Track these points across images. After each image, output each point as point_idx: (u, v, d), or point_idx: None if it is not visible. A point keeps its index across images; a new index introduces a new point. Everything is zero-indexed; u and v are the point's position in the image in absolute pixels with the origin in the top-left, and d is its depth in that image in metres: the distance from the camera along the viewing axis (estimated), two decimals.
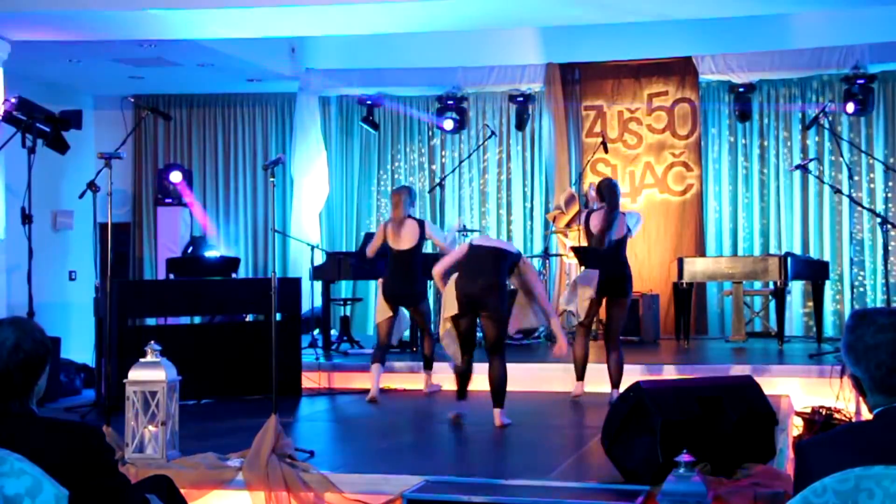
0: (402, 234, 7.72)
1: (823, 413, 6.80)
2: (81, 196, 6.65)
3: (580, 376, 7.47)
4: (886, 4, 8.85)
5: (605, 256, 7.35)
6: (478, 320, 6.61)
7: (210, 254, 11.20)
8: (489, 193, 12.08)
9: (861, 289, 11.00)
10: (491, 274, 6.43)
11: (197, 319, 9.53)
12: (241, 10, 8.04)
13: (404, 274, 7.71)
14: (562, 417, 7.01)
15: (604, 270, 7.34)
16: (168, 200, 11.75)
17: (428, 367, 8.04)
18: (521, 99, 11.68)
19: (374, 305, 9.26)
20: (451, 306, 6.46)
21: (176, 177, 11.58)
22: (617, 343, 7.44)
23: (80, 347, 9.71)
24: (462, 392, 6.71)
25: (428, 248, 8.91)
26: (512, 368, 8.36)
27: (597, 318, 8.24)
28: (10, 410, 2.59)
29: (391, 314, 7.76)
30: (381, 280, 7.90)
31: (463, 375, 6.69)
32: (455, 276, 6.54)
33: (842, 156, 10.23)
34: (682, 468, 3.40)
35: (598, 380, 7.47)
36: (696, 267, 10.05)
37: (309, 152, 11.86)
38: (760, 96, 11.42)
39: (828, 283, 10.41)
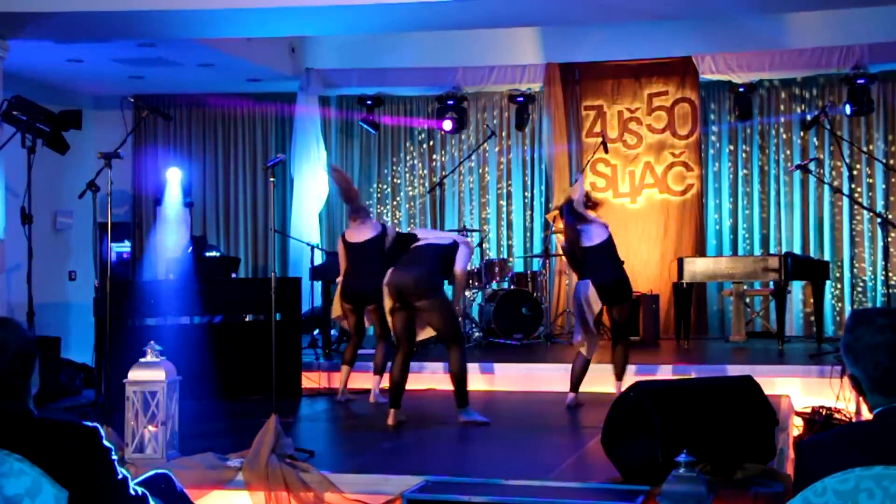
0: (360, 228, 7.60)
1: (823, 413, 6.80)
2: (81, 196, 6.66)
3: (574, 389, 7.28)
4: (886, 4, 8.85)
5: (587, 264, 7.22)
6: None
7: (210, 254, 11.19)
8: (489, 193, 12.08)
9: (861, 289, 11.00)
10: (424, 265, 6.58)
11: (197, 319, 9.53)
12: (241, 10, 8.04)
13: (362, 270, 7.44)
14: (562, 417, 7.00)
15: (594, 279, 7.14)
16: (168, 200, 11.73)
17: (378, 372, 7.65)
18: (521, 99, 11.68)
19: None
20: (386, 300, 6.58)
21: (174, 175, 11.58)
22: (625, 337, 7.34)
23: (80, 347, 9.71)
24: (395, 399, 6.60)
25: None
26: (512, 368, 8.43)
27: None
28: (9, 409, 2.59)
29: (345, 314, 7.62)
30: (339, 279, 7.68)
31: (392, 378, 6.63)
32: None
33: (842, 156, 10.23)
34: (682, 468, 3.40)
35: (598, 380, 7.47)
36: (696, 267, 10.05)
37: (309, 152, 11.87)
38: (760, 96, 11.43)
39: (828, 283, 10.41)
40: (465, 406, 6.52)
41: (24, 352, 2.62)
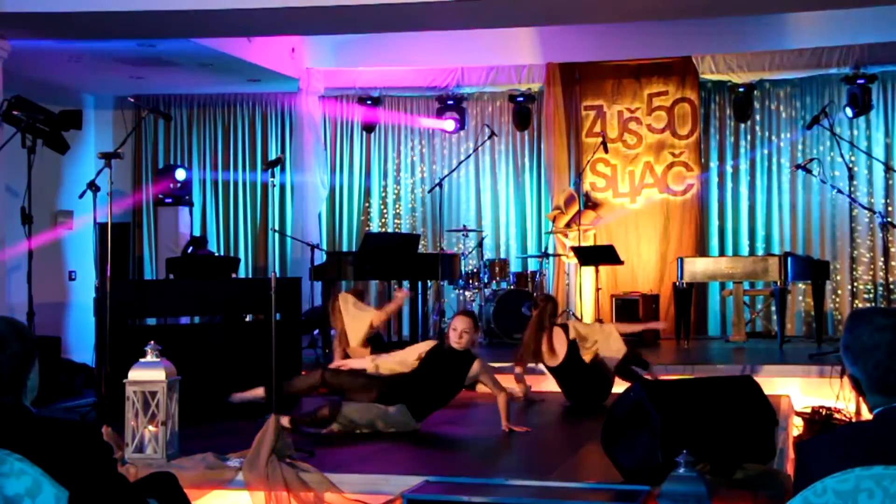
0: None
1: (823, 413, 6.80)
2: (81, 196, 6.66)
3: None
4: (886, 4, 8.85)
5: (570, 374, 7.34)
6: None
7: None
8: (488, 193, 12.08)
9: (861, 288, 11.00)
10: None
11: (197, 319, 9.53)
12: (241, 10, 8.04)
13: None
14: (561, 417, 7.00)
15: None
16: (168, 200, 11.74)
17: None
18: (521, 99, 11.69)
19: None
20: None
21: (180, 174, 11.59)
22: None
23: (80, 347, 9.71)
24: None
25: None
26: (512, 368, 8.40)
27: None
28: (6, 405, 2.60)
29: None
30: None
31: None
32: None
33: (842, 156, 10.23)
34: (682, 468, 3.39)
35: None
36: (696, 267, 10.05)
37: (309, 152, 11.87)
38: (760, 96, 11.43)
39: (828, 283, 10.41)
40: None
41: (25, 349, 2.63)
